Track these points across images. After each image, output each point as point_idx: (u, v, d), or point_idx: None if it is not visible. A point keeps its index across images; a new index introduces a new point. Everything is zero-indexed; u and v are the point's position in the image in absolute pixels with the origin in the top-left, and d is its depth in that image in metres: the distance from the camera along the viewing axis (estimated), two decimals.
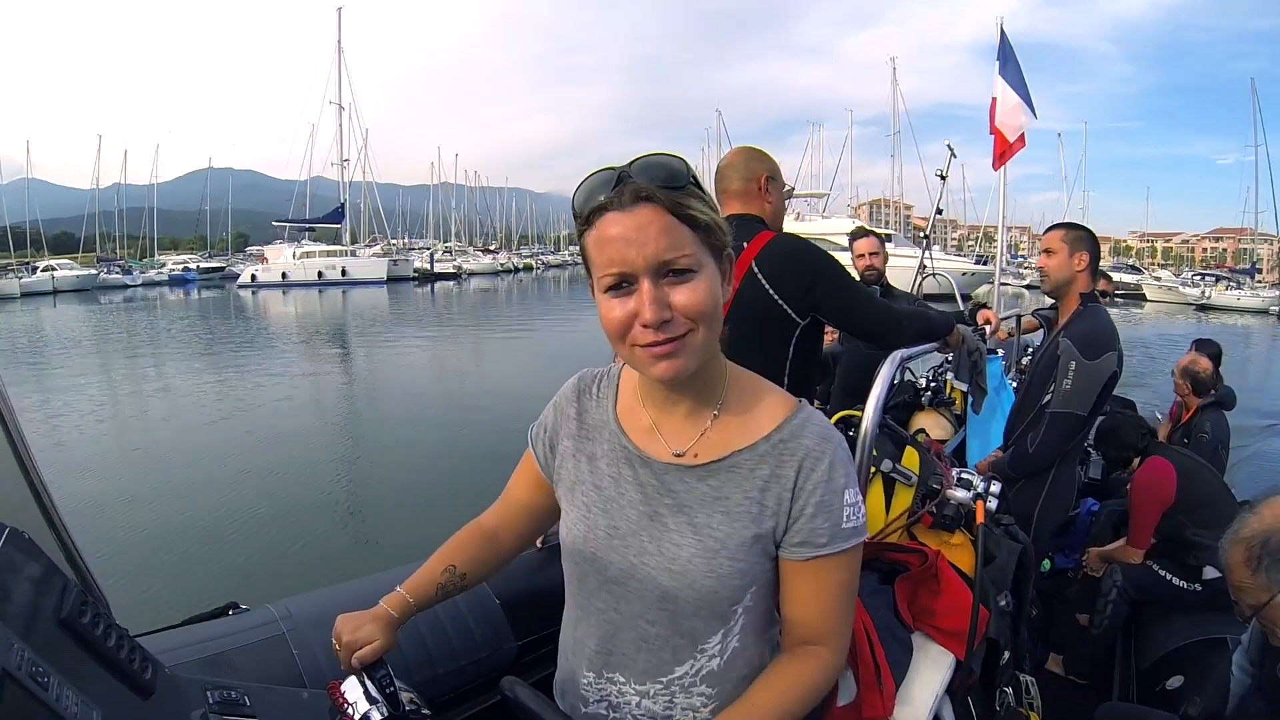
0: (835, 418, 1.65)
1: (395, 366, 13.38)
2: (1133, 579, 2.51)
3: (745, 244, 1.58)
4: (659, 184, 0.73)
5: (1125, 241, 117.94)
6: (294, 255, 39.88)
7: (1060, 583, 3.16)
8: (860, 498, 0.83)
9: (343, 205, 45.96)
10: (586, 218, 0.76)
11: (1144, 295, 34.77)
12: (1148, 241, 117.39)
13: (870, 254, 3.34)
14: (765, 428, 0.83)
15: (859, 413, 1.44)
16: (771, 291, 1.55)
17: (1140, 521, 2.56)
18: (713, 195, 0.80)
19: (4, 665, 0.55)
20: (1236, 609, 1.37)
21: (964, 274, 24.51)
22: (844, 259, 1.99)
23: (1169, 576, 2.46)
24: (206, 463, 6.63)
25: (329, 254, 41.12)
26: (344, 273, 39.07)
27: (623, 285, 0.74)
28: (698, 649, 0.83)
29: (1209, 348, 3.92)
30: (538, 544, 1.57)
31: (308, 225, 46.06)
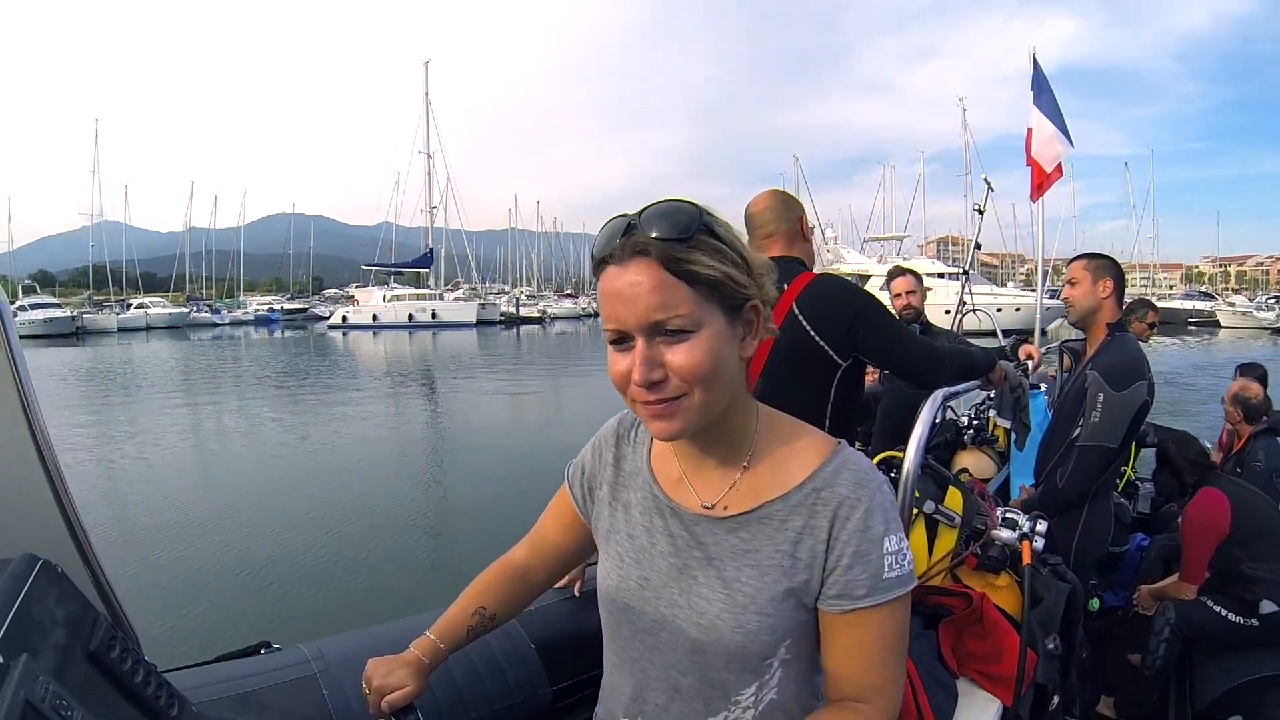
0: (877, 459, 1.65)
1: (475, 410, 12.97)
2: (1186, 615, 2.45)
3: (785, 285, 1.59)
4: (661, 235, 0.69)
5: (1197, 268, 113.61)
6: (384, 298, 41.03)
7: (1110, 622, 3.08)
8: (905, 544, 0.78)
9: (431, 250, 46.70)
10: (595, 267, 0.74)
11: (1218, 322, 33.38)
12: (1220, 266, 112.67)
13: (908, 292, 3.35)
14: (798, 476, 0.79)
15: (901, 454, 1.45)
16: (812, 332, 1.56)
17: (1193, 555, 2.51)
18: (743, 241, 0.76)
19: (28, 697, 0.56)
20: None
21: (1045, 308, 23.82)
22: (885, 298, 2.05)
23: (1224, 612, 2.39)
24: (267, 497, 6.67)
25: (418, 297, 41.94)
26: (434, 315, 39.75)
27: (621, 340, 0.73)
28: (731, 701, 0.80)
29: (1254, 371, 3.81)
30: (576, 591, 1.60)
31: (396, 269, 46.86)
